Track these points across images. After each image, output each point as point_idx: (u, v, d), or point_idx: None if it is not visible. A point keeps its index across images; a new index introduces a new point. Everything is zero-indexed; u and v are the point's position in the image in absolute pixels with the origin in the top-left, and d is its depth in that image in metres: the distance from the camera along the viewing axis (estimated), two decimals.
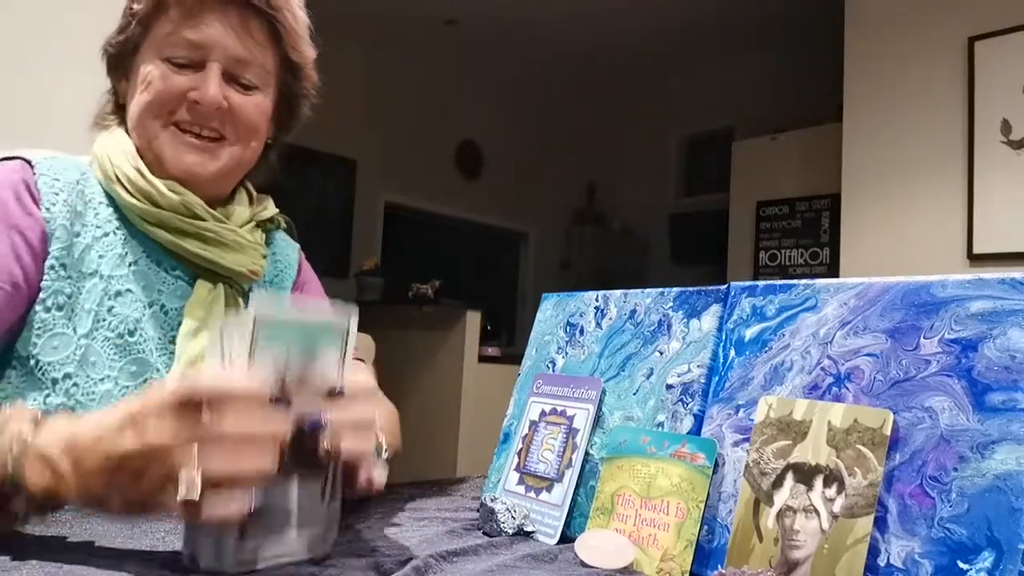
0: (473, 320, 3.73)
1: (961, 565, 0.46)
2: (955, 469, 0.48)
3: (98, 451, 0.51)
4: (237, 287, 0.90)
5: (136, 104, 0.84)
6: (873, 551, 0.49)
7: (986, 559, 0.45)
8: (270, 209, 0.98)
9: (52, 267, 0.78)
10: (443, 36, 4.99)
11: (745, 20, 4.63)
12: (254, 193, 0.98)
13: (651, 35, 4.94)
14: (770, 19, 4.56)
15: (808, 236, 4.00)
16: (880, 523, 0.50)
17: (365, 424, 0.58)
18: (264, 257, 0.93)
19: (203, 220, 0.85)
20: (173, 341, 0.84)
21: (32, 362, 0.76)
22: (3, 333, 0.75)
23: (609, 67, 5.45)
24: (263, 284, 0.97)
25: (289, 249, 1.03)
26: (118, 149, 0.84)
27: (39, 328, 0.76)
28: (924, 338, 0.53)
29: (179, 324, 0.84)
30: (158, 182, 0.83)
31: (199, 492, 0.47)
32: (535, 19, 4.76)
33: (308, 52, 0.93)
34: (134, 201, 0.82)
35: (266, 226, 0.97)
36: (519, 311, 6.10)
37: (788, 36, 4.67)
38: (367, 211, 5.16)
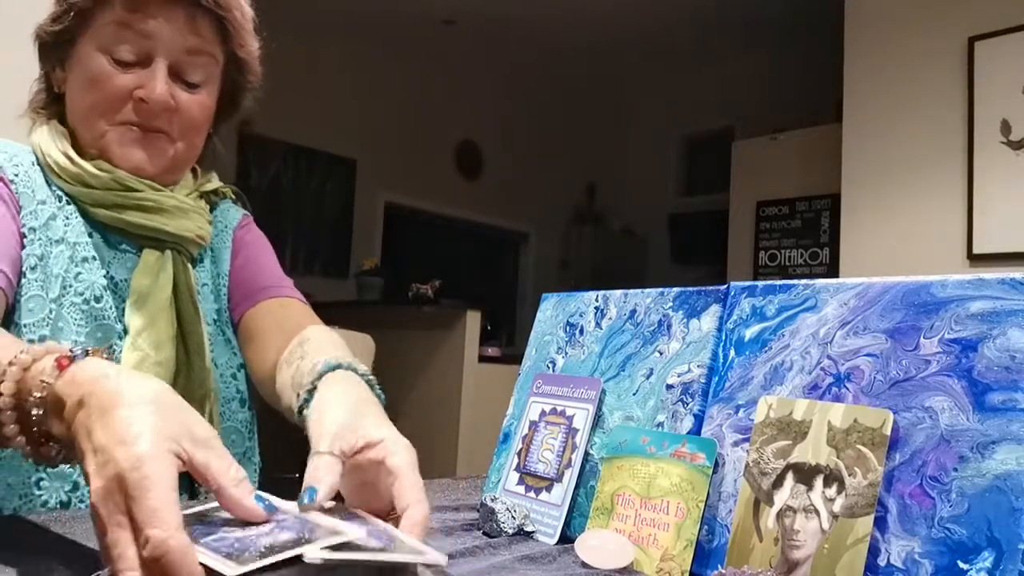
0: (473, 320, 3.72)
1: (961, 565, 0.46)
2: (955, 469, 0.48)
3: (102, 450, 0.44)
4: (186, 253, 0.89)
5: (80, 103, 0.84)
6: (873, 551, 0.49)
7: (986, 559, 0.45)
8: (214, 182, 0.97)
9: (28, 229, 0.80)
10: (442, 36, 4.99)
11: (745, 19, 4.63)
12: (199, 170, 0.97)
13: (651, 34, 4.94)
14: (770, 19, 4.56)
15: (808, 236, 4.00)
16: (880, 523, 0.50)
17: None
18: (210, 223, 0.93)
19: (138, 191, 0.84)
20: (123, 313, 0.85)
21: (10, 325, 0.77)
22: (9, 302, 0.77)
23: (609, 67, 5.45)
24: (208, 249, 0.96)
25: (230, 210, 1.02)
26: (48, 139, 0.85)
27: (16, 291, 0.77)
28: (924, 338, 0.53)
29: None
30: (85, 164, 0.83)
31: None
32: (534, 19, 4.76)
33: (253, 46, 0.92)
34: (68, 186, 0.83)
35: (210, 198, 0.96)
36: (519, 311, 6.10)
37: (788, 36, 4.67)
38: (367, 211, 5.16)
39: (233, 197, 1.02)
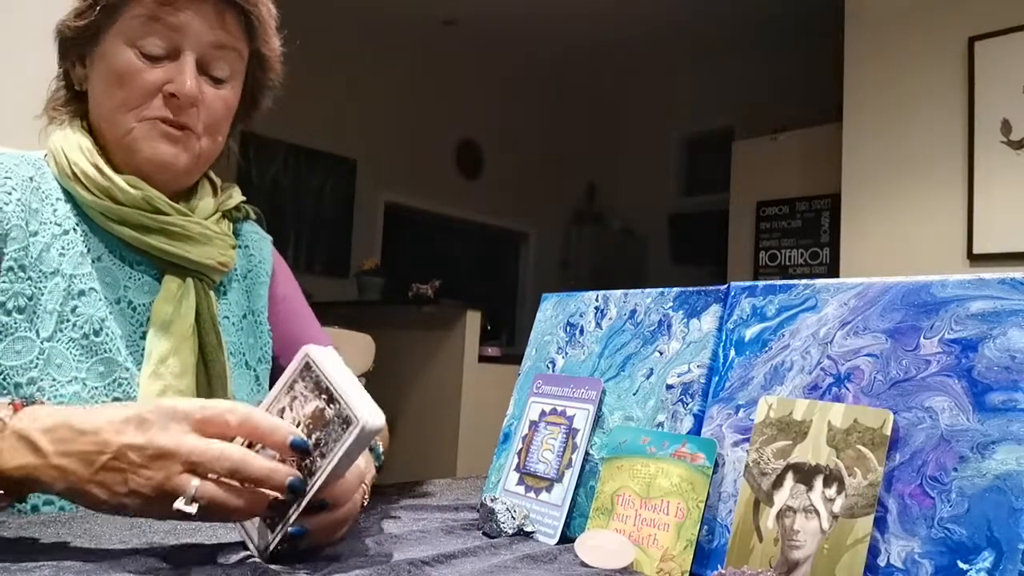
0: (473, 320, 3.72)
1: (961, 565, 0.46)
2: (955, 469, 0.48)
3: (94, 439, 0.52)
4: (207, 280, 0.88)
5: (107, 99, 0.82)
6: (873, 551, 0.49)
7: (986, 559, 0.45)
8: (235, 197, 0.95)
9: (10, 268, 0.76)
10: (442, 36, 4.99)
11: (745, 20, 4.63)
12: (218, 182, 0.96)
13: (651, 35, 4.94)
14: (770, 19, 4.57)
15: (808, 236, 4.00)
16: (880, 523, 0.50)
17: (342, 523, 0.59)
18: (234, 248, 0.92)
19: (166, 215, 0.83)
20: (143, 337, 0.83)
21: None
22: None
23: (609, 67, 5.45)
24: (235, 277, 0.95)
25: (262, 243, 1.01)
26: (74, 145, 0.82)
27: None
28: (924, 338, 0.53)
29: (148, 320, 0.83)
30: (117, 178, 0.81)
31: (195, 510, 0.49)
32: (534, 19, 4.76)
33: (276, 44, 0.92)
34: (94, 198, 0.80)
35: (232, 215, 0.95)
36: (519, 311, 6.10)
37: (788, 36, 4.67)
38: (367, 211, 5.16)
39: (255, 217, 1.01)
